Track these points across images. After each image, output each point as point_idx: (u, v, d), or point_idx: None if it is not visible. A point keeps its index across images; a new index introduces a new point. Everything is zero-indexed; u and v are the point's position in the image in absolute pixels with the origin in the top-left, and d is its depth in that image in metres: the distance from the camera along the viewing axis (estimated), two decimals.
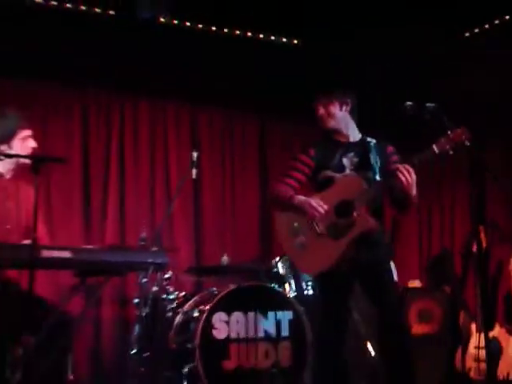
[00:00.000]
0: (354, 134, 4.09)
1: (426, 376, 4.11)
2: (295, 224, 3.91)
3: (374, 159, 3.95)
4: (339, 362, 3.92)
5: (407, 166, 3.73)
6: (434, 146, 3.73)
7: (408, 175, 3.71)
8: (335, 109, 4.04)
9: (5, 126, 3.91)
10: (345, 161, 3.97)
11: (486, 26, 5.92)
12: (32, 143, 4.01)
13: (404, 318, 3.96)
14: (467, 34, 6.06)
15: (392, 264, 4.19)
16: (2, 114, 3.97)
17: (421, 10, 5.53)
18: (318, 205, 3.80)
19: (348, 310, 4.09)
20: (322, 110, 4.05)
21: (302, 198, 3.89)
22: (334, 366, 3.91)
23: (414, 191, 3.77)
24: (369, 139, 4.05)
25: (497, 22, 5.85)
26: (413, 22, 5.63)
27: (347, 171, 3.95)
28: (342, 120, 4.06)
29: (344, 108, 4.05)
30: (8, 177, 3.97)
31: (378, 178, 3.90)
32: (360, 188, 3.85)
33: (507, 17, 5.75)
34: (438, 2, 5.44)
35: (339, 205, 3.84)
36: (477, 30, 6.00)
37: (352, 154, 3.99)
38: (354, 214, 3.79)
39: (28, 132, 3.99)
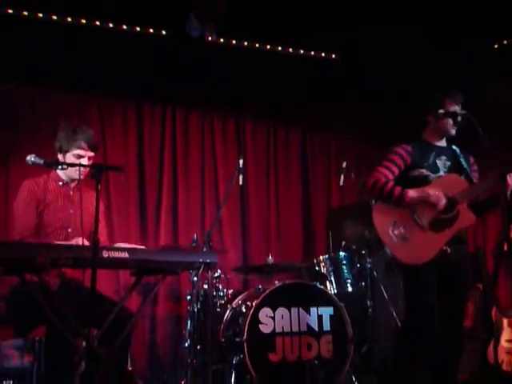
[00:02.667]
0: (444, 141, 4.07)
1: (460, 368, 4.05)
2: (395, 217, 3.86)
3: (465, 164, 3.97)
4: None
5: None
6: None
7: None
8: None
9: (68, 138, 3.94)
10: (439, 163, 3.96)
11: None
12: (84, 163, 3.92)
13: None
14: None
15: None
16: (72, 128, 3.98)
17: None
18: (437, 196, 3.77)
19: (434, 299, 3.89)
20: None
21: (414, 193, 3.82)
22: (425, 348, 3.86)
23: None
24: (454, 147, 4.05)
25: None
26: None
27: (441, 173, 3.93)
28: None
29: None
30: (73, 185, 4.02)
31: (473, 180, 3.93)
32: (462, 186, 3.85)
33: None
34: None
35: None
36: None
37: (445, 158, 3.98)
38: (458, 209, 3.79)
39: (83, 153, 3.94)
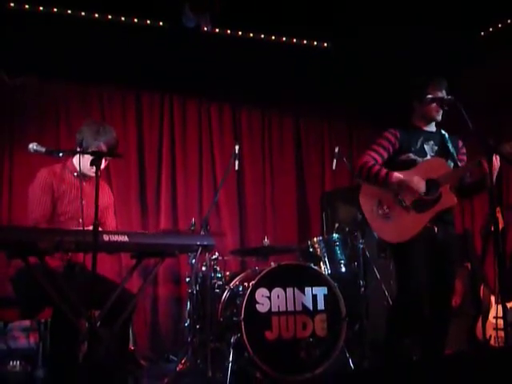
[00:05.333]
0: (433, 125, 4.05)
1: (449, 344, 4.07)
2: (379, 198, 3.89)
3: (452, 149, 3.95)
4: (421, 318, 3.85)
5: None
6: None
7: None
8: None
9: (90, 136, 3.88)
10: (426, 147, 3.95)
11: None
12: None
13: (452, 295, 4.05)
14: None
15: None
16: (96, 126, 3.94)
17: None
18: (419, 182, 3.78)
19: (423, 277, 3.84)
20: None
21: (399, 176, 3.81)
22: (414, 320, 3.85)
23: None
24: (443, 131, 4.03)
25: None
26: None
27: (428, 157, 3.93)
28: None
29: None
30: (88, 178, 3.97)
31: (459, 164, 3.92)
32: (445, 169, 3.85)
33: None
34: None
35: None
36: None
37: (432, 143, 3.97)
38: (440, 191, 3.79)
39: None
